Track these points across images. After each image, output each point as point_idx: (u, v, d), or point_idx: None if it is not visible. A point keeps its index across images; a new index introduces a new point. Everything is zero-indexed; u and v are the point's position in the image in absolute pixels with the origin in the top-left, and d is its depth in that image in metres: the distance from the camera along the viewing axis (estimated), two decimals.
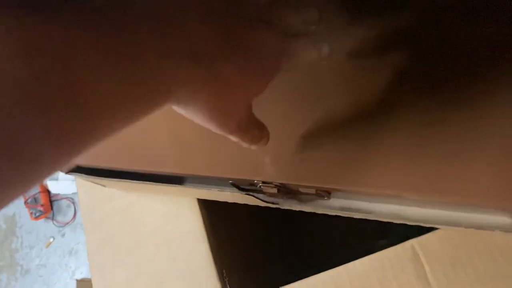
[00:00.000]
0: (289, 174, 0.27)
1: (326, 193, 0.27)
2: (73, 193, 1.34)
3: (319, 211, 0.31)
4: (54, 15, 0.14)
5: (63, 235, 1.35)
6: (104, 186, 0.43)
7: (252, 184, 0.28)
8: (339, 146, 0.26)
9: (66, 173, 0.35)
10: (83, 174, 0.35)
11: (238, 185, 0.30)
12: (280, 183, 0.26)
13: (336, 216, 0.33)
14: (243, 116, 0.23)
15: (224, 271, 0.40)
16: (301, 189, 0.27)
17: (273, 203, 0.31)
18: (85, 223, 0.48)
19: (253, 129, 0.24)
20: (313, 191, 0.26)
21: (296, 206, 0.31)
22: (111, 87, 0.15)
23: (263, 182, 0.27)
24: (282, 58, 0.22)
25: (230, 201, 0.36)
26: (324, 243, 0.52)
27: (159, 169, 0.32)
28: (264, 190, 0.28)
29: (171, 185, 0.33)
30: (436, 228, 0.37)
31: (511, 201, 0.24)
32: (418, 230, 0.38)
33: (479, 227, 0.26)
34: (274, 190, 0.27)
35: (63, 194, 1.37)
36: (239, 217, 0.47)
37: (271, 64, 0.22)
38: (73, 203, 1.36)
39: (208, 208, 0.43)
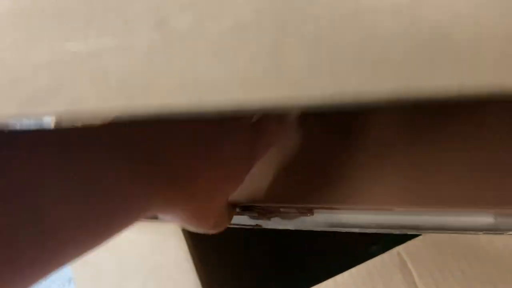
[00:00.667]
0: (269, 196, 0.26)
1: (309, 211, 0.27)
2: None
3: (303, 228, 0.31)
4: (15, 139, 0.15)
5: None
6: None
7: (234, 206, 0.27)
8: (321, 167, 0.26)
9: None
10: None
11: None
12: (259, 206, 0.26)
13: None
14: (221, 213, 0.23)
15: None
16: (282, 209, 0.26)
17: (256, 225, 0.31)
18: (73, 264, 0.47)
19: (227, 218, 0.25)
20: (294, 210, 0.26)
21: (279, 225, 0.31)
22: (73, 214, 0.16)
23: (243, 208, 0.26)
24: (256, 153, 0.23)
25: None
26: (316, 256, 0.52)
27: None
28: (245, 213, 0.28)
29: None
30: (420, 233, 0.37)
31: (493, 202, 0.24)
32: (409, 235, 0.38)
33: (464, 229, 0.27)
34: (255, 214, 0.27)
35: None
36: (225, 240, 0.46)
37: (245, 164, 0.22)
38: None
39: (193, 234, 0.42)
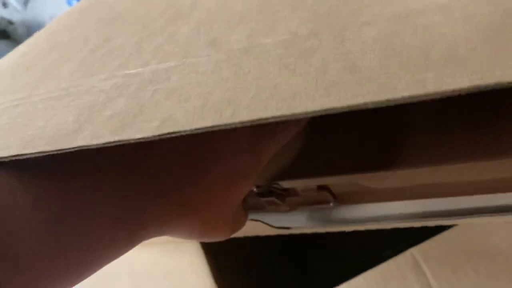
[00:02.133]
0: (288, 173, 0.25)
1: (331, 195, 0.26)
2: None
3: (331, 229, 0.31)
4: None
5: None
6: None
7: (271, 190, 0.26)
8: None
9: None
10: None
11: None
12: (278, 189, 0.26)
13: (340, 233, 0.32)
14: (235, 218, 0.22)
15: None
16: (302, 192, 0.26)
17: (283, 227, 0.31)
18: None
19: (243, 221, 0.23)
20: (314, 191, 0.25)
21: (307, 226, 0.30)
22: (53, 244, 0.15)
23: (261, 193, 0.26)
24: (262, 152, 0.21)
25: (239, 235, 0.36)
26: (327, 259, 0.52)
27: None
28: (265, 204, 0.27)
29: None
30: (434, 235, 0.37)
31: None
32: (421, 237, 0.38)
33: (501, 211, 0.25)
34: (274, 198, 0.26)
35: None
36: (241, 244, 0.46)
37: (250, 167, 0.20)
38: None
39: None
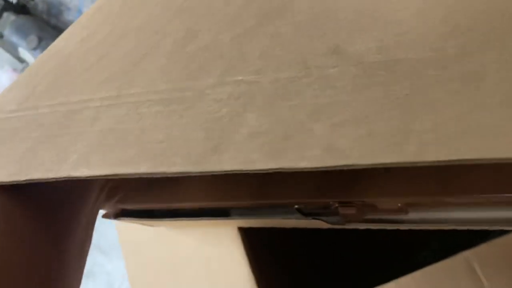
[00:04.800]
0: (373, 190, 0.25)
1: (406, 208, 0.26)
2: None
3: (388, 228, 0.30)
4: None
5: None
6: (152, 226, 0.42)
7: (326, 207, 0.26)
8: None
9: (115, 218, 0.35)
10: (131, 218, 0.35)
11: (305, 210, 0.28)
12: (361, 201, 0.25)
13: (375, 231, 0.31)
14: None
15: None
16: (379, 205, 0.25)
17: (339, 224, 0.30)
18: (124, 248, 0.47)
19: None
20: (395, 206, 0.24)
21: (364, 225, 0.30)
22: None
23: (341, 203, 0.25)
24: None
25: (290, 226, 0.35)
26: (366, 258, 0.50)
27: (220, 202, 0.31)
28: (341, 212, 0.26)
29: (237, 217, 0.32)
30: (488, 238, 0.35)
31: None
32: (460, 241, 0.37)
33: None
34: (353, 211, 0.25)
35: None
36: (278, 237, 0.46)
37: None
38: None
39: (246, 228, 0.41)
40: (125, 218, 0.35)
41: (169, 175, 0.13)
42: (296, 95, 0.13)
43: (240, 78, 0.15)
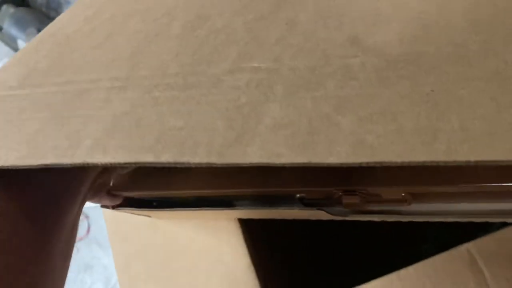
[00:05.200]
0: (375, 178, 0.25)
1: (410, 198, 0.26)
2: (86, 208, 1.33)
3: (390, 219, 0.30)
4: None
5: (77, 250, 1.34)
6: (149, 216, 0.42)
7: (329, 196, 0.26)
8: None
9: (113, 208, 0.34)
10: (132, 208, 0.34)
11: (307, 200, 0.28)
12: (364, 189, 0.25)
13: (375, 223, 0.31)
14: None
15: (267, 285, 0.38)
16: (383, 195, 0.25)
17: (343, 215, 0.30)
18: (111, 238, 0.46)
19: None
20: (399, 196, 0.24)
21: (366, 217, 0.29)
22: None
23: (345, 191, 0.25)
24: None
25: (292, 218, 0.35)
26: (366, 251, 0.50)
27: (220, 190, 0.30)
28: (344, 201, 0.26)
29: (238, 208, 0.31)
30: (489, 231, 0.35)
31: None
32: (460, 233, 0.36)
33: None
34: (356, 200, 0.25)
35: None
36: (277, 227, 0.45)
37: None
38: (87, 218, 1.34)
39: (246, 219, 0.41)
40: (123, 208, 0.34)
41: (192, 166, 0.13)
42: (319, 85, 0.13)
43: (257, 65, 0.14)
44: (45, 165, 0.15)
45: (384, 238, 0.49)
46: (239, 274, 0.39)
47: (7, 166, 0.16)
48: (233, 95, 0.14)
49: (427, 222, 0.30)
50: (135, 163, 0.14)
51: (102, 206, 0.35)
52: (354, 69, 0.13)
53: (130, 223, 0.45)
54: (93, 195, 0.26)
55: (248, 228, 0.41)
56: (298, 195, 0.28)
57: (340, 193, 0.25)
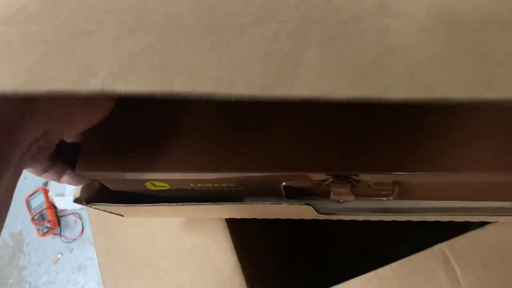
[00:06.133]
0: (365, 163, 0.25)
1: (396, 184, 0.26)
2: (80, 208, 1.33)
3: (373, 219, 0.31)
4: None
5: (71, 250, 1.34)
6: (121, 215, 0.38)
7: (317, 184, 0.26)
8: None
9: (86, 204, 0.32)
10: (104, 204, 0.32)
11: (294, 189, 0.28)
12: (356, 175, 0.25)
13: (358, 223, 0.32)
14: None
15: (253, 283, 0.40)
16: (373, 184, 0.25)
17: (328, 213, 0.30)
18: (95, 236, 0.45)
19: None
20: (388, 182, 0.25)
21: (350, 215, 0.30)
22: None
23: (336, 177, 0.25)
24: None
25: (282, 217, 0.35)
26: (348, 251, 0.52)
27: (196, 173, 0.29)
28: (333, 190, 0.26)
29: (218, 204, 0.30)
30: (463, 232, 0.37)
31: None
32: (438, 235, 0.38)
33: None
34: (347, 187, 0.25)
35: (70, 210, 1.36)
36: (264, 226, 0.47)
37: None
38: (81, 218, 1.35)
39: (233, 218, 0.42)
40: (98, 204, 0.32)
41: (232, 98, 0.11)
42: (355, 37, 0.12)
43: (284, 19, 0.13)
44: (54, 91, 0.13)
45: (366, 239, 0.50)
46: (226, 272, 0.40)
47: (3, 93, 0.14)
48: (264, 42, 0.12)
49: (408, 224, 0.31)
50: (165, 93, 0.12)
51: (75, 201, 0.33)
52: (389, 27, 0.12)
53: (115, 221, 0.44)
54: (31, 160, 0.24)
55: (235, 226, 0.42)
56: (284, 183, 0.28)
57: (331, 179, 0.25)
